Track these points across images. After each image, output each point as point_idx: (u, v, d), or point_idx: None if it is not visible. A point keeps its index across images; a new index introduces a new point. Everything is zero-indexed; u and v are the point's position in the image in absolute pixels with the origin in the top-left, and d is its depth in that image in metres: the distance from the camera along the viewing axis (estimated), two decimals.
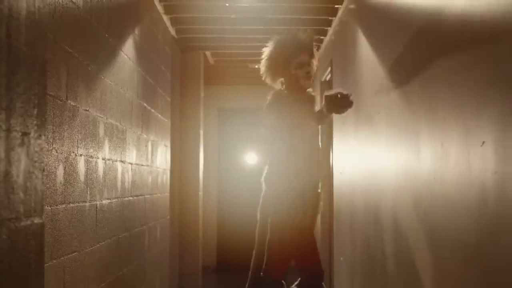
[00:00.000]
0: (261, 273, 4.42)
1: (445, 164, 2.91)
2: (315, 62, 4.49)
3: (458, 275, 2.75)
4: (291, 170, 4.26)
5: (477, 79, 2.48)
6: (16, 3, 1.99)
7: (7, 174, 1.92)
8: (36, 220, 2.17)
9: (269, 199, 4.37)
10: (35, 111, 2.15)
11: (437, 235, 3.07)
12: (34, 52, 2.15)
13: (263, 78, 4.58)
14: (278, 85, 4.53)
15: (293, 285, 4.53)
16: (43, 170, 2.27)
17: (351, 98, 4.20)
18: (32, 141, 2.13)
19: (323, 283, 4.50)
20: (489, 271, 2.37)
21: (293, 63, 4.35)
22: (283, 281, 4.42)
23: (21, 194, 2.02)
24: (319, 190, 4.45)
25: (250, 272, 4.60)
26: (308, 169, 4.33)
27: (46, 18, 2.31)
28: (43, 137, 2.25)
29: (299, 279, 4.51)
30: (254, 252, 4.55)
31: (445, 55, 2.93)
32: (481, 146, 2.40)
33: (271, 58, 4.45)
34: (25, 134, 2.06)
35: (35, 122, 2.15)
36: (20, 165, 2.02)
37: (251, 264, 4.59)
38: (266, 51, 4.49)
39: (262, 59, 4.50)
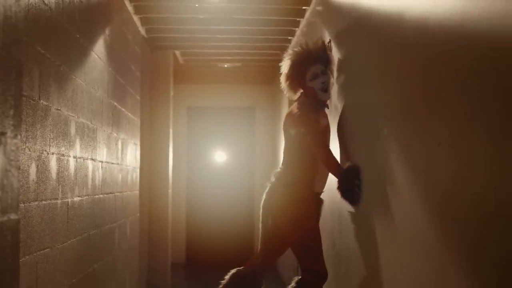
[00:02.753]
0: (254, 263, 4.50)
1: (404, 163, 3.05)
2: (333, 69, 4.52)
3: (415, 269, 2.89)
4: (307, 177, 4.35)
5: (433, 80, 2.62)
6: None
7: None
8: (13, 216, 2.26)
9: (277, 195, 4.41)
10: (12, 112, 2.24)
11: (396, 232, 3.21)
12: (11, 56, 2.24)
13: (285, 93, 4.61)
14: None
15: (292, 283, 4.59)
16: (19, 168, 2.36)
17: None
18: (8, 140, 2.22)
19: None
20: (442, 264, 2.51)
21: (308, 75, 4.39)
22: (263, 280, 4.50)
23: None
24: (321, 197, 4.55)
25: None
26: (319, 179, 4.44)
27: (22, 22, 2.40)
28: (18, 137, 2.34)
29: (298, 278, 4.56)
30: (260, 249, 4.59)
31: (406, 57, 3.07)
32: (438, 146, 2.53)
33: (287, 74, 4.48)
34: (2, 134, 2.15)
35: (11, 122, 2.24)
36: None
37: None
38: (282, 66, 4.53)
39: (280, 75, 4.54)
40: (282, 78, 4.52)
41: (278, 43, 8.22)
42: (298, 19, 7.00)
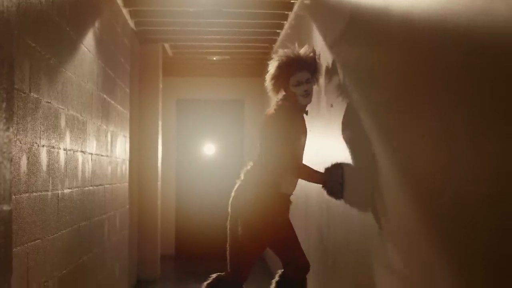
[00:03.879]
0: (228, 272, 4.46)
1: (391, 157, 3.11)
2: (318, 78, 4.54)
3: (401, 261, 2.95)
4: (273, 178, 4.37)
5: (420, 74, 2.68)
6: None
7: None
8: (5, 207, 2.31)
9: (246, 195, 4.41)
10: (4, 105, 2.29)
11: (382, 224, 3.27)
12: (2, 49, 2.28)
13: (268, 92, 4.62)
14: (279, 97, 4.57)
15: (276, 277, 4.62)
16: (11, 160, 2.40)
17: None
18: (1, 133, 2.26)
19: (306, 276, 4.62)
20: (428, 256, 2.57)
21: (292, 81, 4.38)
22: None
23: None
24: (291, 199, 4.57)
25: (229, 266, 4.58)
26: (290, 182, 4.48)
27: (14, 16, 2.44)
28: (10, 129, 2.38)
29: (281, 271, 4.61)
30: (228, 246, 4.54)
31: (391, 51, 3.12)
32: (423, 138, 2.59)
33: (273, 74, 4.48)
34: None
35: (4, 115, 2.28)
36: None
37: (228, 258, 4.56)
38: (270, 65, 4.55)
39: (267, 74, 4.55)
40: (267, 77, 4.54)
41: (266, 36, 8.27)
42: (286, 12, 7.05)
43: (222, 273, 4.50)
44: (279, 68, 4.43)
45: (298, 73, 4.38)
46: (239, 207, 4.42)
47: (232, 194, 4.49)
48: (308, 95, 4.40)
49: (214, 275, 4.51)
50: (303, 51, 4.49)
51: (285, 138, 4.32)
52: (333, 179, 4.24)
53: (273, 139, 4.36)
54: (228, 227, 4.49)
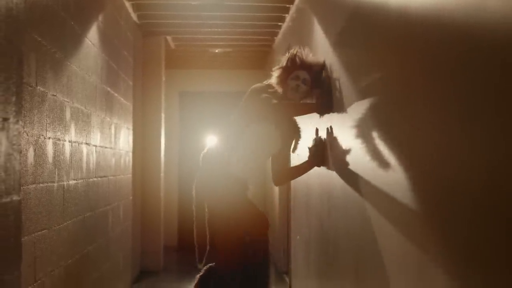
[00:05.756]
0: (217, 261, 4.53)
1: (390, 150, 3.19)
2: (316, 92, 4.62)
3: (399, 249, 3.03)
4: (234, 160, 4.48)
5: (415, 68, 2.75)
6: None
7: None
8: (15, 197, 2.39)
9: (207, 181, 4.58)
10: (14, 99, 2.37)
11: (381, 213, 3.35)
12: (12, 45, 2.36)
13: (270, 80, 4.74)
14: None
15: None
16: (20, 152, 2.49)
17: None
18: (11, 126, 2.34)
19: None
20: (422, 244, 2.64)
21: (292, 74, 4.49)
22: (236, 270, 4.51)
23: (3, 174, 2.24)
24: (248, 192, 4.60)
25: (197, 249, 4.71)
26: (248, 167, 4.55)
27: (22, 13, 2.52)
28: (20, 122, 2.47)
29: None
30: (195, 228, 4.67)
31: (389, 45, 3.19)
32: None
33: (278, 68, 4.61)
34: (5, 119, 2.28)
35: (13, 108, 2.37)
36: (1, 147, 2.24)
37: (195, 241, 4.71)
38: (283, 58, 4.65)
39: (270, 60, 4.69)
40: (277, 66, 4.65)
41: (268, 29, 8.34)
42: (287, 5, 7.11)
43: (212, 264, 4.59)
44: (290, 60, 4.54)
45: (301, 71, 4.49)
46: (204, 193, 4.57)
47: (196, 179, 4.64)
48: (297, 92, 4.50)
49: (205, 267, 4.60)
50: (315, 59, 4.61)
51: (244, 113, 4.52)
52: (319, 153, 4.61)
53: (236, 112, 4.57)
54: (195, 209, 4.62)
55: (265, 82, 4.62)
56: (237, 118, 4.53)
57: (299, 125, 4.75)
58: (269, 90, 4.52)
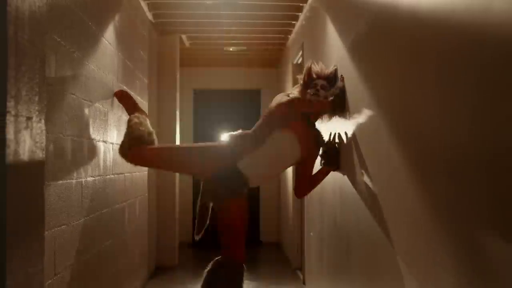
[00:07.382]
0: (223, 254, 4.58)
1: (399, 143, 3.25)
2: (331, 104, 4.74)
3: (411, 244, 3.10)
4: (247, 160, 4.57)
5: (422, 64, 2.82)
6: (21, 5, 2.29)
7: (16, 153, 2.23)
8: (39, 192, 2.49)
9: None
10: (37, 98, 2.46)
11: (390, 209, 3.42)
12: (35, 47, 2.46)
13: (297, 76, 4.94)
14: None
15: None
16: (43, 150, 2.58)
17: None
18: (34, 124, 2.44)
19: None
20: (430, 238, 2.71)
21: (312, 84, 4.68)
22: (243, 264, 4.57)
23: (27, 170, 2.33)
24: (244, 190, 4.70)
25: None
26: (257, 172, 4.63)
27: (45, 15, 2.61)
28: (42, 121, 2.56)
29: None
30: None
31: (400, 42, 3.26)
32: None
33: (299, 86, 4.78)
34: (29, 118, 2.37)
35: (37, 107, 2.46)
36: (25, 145, 2.33)
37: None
38: (313, 65, 4.81)
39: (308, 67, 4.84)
40: (296, 86, 4.84)
41: (282, 27, 8.42)
42: (301, 4, 7.19)
43: (219, 258, 4.66)
44: (307, 74, 4.71)
45: (318, 80, 4.70)
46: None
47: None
48: (318, 97, 4.64)
49: (212, 261, 4.67)
50: (328, 69, 4.77)
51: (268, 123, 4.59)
52: (335, 159, 4.75)
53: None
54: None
55: (288, 92, 4.79)
56: (260, 124, 4.61)
57: (322, 137, 4.83)
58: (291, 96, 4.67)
